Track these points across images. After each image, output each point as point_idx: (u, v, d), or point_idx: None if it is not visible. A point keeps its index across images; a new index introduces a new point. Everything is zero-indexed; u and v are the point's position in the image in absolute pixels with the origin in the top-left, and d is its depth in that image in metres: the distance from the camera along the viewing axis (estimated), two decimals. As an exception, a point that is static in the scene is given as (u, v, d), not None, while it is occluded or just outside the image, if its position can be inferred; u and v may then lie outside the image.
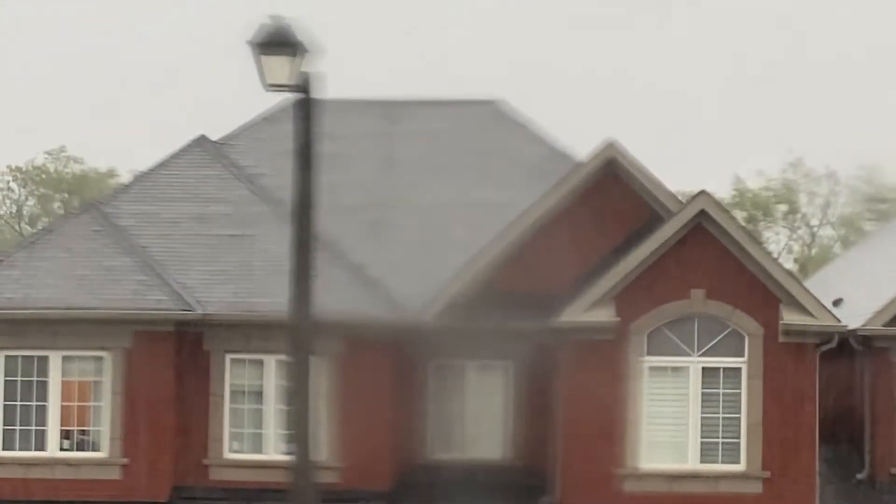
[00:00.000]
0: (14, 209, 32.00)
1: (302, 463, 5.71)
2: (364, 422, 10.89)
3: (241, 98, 13.01)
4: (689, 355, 10.91)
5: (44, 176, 31.15)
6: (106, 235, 11.24)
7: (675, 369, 10.95)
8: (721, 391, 10.97)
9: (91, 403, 11.06)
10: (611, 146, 11.59)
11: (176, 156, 12.39)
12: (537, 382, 11.28)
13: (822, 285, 14.30)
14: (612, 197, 11.52)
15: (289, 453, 5.87)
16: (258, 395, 11.09)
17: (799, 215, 31.08)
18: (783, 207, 29.89)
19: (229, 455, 11.10)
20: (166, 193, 11.87)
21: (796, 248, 31.85)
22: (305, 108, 5.68)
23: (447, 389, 11.64)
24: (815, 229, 31.20)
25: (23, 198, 31.85)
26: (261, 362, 11.03)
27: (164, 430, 10.83)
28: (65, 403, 11.00)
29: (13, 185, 31.57)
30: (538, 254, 11.31)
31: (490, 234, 11.40)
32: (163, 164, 12.27)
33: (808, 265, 27.43)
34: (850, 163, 29.50)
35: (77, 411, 11.06)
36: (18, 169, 30.83)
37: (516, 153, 13.02)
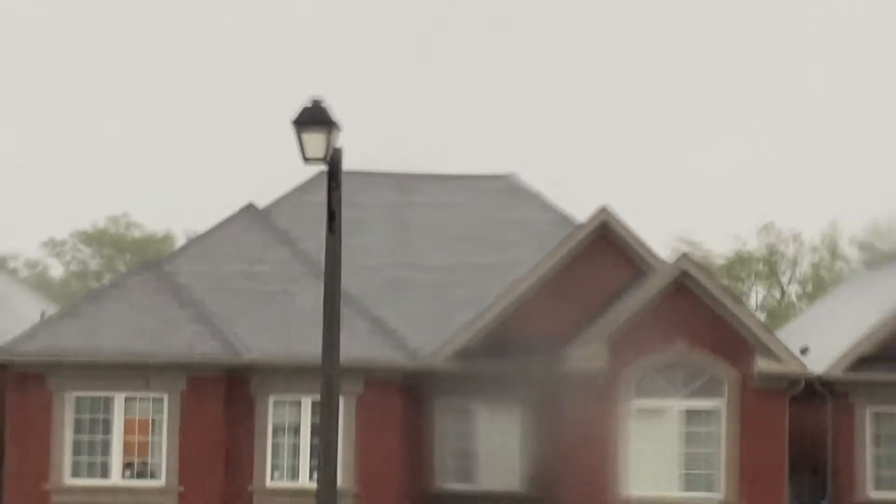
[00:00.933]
0: (81, 267, 35.58)
1: (327, 489, 6.62)
2: (381, 454, 12.46)
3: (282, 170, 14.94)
4: (672, 398, 12.43)
5: (106, 238, 34.91)
6: (165, 291, 12.91)
7: (660, 411, 12.47)
8: (703, 430, 12.50)
9: (150, 438, 12.64)
10: (604, 211, 13.21)
11: (227, 222, 14.14)
12: (542, 420, 12.80)
13: (790, 335, 15.86)
14: (605, 256, 13.09)
15: (318, 481, 6.73)
16: (296, 431, 12.67)
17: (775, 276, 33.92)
18: (764, 268, 32.67)
19: (270, 483, 12.66)
20: (218, 254, 13.50)
21: (770, 302, 34.35)
22: (334, 179, 6.61)
23: (458, 426, 13.22)
24: (786, 286, 33.77)
25: (89, 257, 35.51)
26: (298, 403, 12.62)
27: (214, 462, 12.36)
28: (127, 438, 12.62)
29: (80, 245, 35.38)
30: (540, 307, 12.91)
31: (494, 291, 12.99)
32: (215, 229, 14.00)
33: (778, 318, 29.35)
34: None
35: (138, 445, 12.63)
36: (84, 232, 34.67)
37: (526, 221, 14.69)
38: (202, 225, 15.15)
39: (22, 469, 12.44)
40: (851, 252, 31.94)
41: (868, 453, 12.97)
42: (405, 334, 13.15)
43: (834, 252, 32.62)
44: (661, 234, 23.83)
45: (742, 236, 32.80)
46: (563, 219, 14.76)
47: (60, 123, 52.80)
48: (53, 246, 35.47)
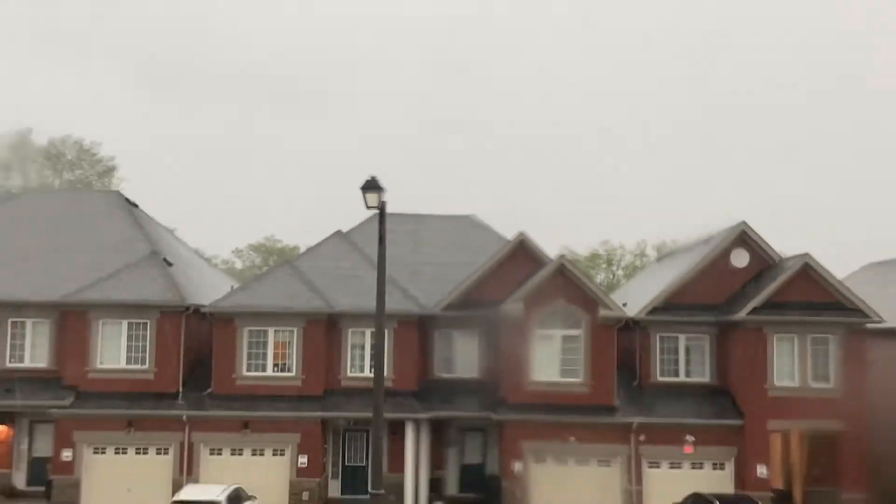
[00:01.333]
0: (251, 264, 62.21)
1: (379, 378, 14.24)
2: (406, 359, 24.13)
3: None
4: (557, 329, 23.99)
5: (263, 248, 62.62)
6: (294, 275, 24.66)
7: (550, 336, 24.02)
8: (573, 346, 24.05)
9: (287, 351, 23.91)
10: (520, 235, 25.16)
11: (327, 239, 26.34)
12: (491, 341, 24.60)
13: (618, 297, 27.93)
14: (523, 259, 24.96)
15: (374, 374, 15.15)
16: (362, 347, 24.24)
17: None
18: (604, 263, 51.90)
19: (349, 375, 24.26)
20: (322, 256, 25.43)
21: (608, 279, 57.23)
22: (381, 219, 14.55)
23: (446, 344, 25.17)
24: (616, 271, 53.05)
25: (255, 258, 60.95)
26: (363, 332, 24.16)
27: (320, 363, 23.96)
28: (275, 351, 23.93)
29: (251, 252, 61.93)
30: (490, 283, 24.79)
31: (465, 276, 25.05)
32: (321, 243, 26.03)
33: (612, 287, 49.14)
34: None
35: (281, 355, 24.00)
36: (253, 245, 61.36)
37: (480, 241, 26.81)
38: (314, 240, 27.49)
39: (220, 368, 24.12)
40: (652, 254, 53.00)
41: (657, 359, 24.68)
42: (419, 296, 24.80)
43: (642, 253, 55.53)
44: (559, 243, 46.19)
45: (596, 246, 56.27)
46: (501, 239, 26.72)
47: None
48: (237, 252, 62.57)
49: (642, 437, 23.10)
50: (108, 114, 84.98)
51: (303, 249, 39.84)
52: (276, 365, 24.14)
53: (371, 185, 14.47)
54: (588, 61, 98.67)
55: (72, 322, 24.02)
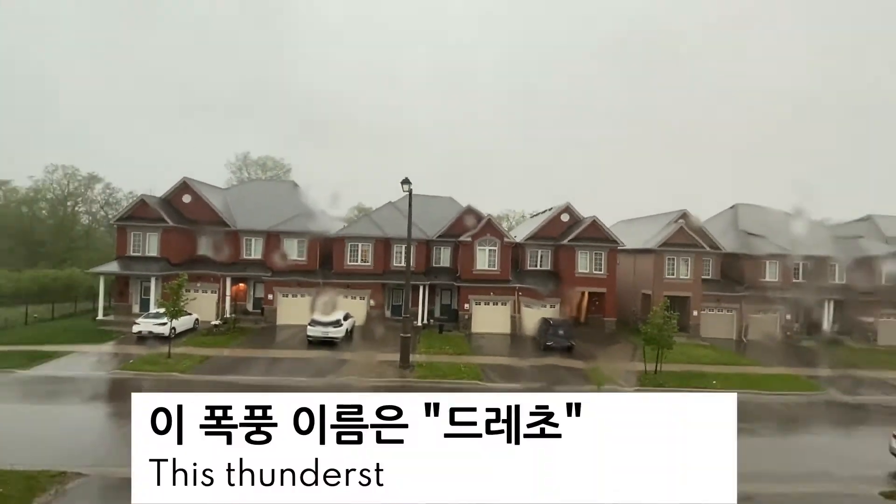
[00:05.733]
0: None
1: (408, 267, 47.19)
2: (420, 258, 54.50)
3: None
4: (486, 246, 54.31)
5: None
6: (369, 221, 54.48)
7: (491, 250, 54.35)
8: (493, 255, 54.41)
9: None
10: (468, 206, 55.49)
11: (383, 206, 55.87)
12: (457, 253, 55.12)
13: (515, 233, 58.81)
14: (472, 216, 55.26)
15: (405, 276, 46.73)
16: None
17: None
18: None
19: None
20: (381, 216, 55.21)
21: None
22: (409, 199, 46.44)
23: (439, 251, 55.56)
24: (512, 223, 79.46)
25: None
26: (401, 246, 54.51)
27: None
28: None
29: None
30: (456, 227, 55.11)
31: (444, 223, 55.45)
32: (384, 206, 55.74)
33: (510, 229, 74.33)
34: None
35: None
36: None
37: (454, 209, 57.03)
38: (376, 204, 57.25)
39: (337, 260, 54.12)
40: (527, 215, 79.02)
41: (528, 259, 55.49)
42: (427, 231, 54.97)
43: (524, 215, 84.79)
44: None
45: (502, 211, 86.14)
46: (460, 206, 56.85)
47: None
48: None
49: (521, 293, 53.70)
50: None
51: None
52: (362, 260, 54.07)
53: (405, 181, 43.24)
54: None
55: (272, 239, 53.55)
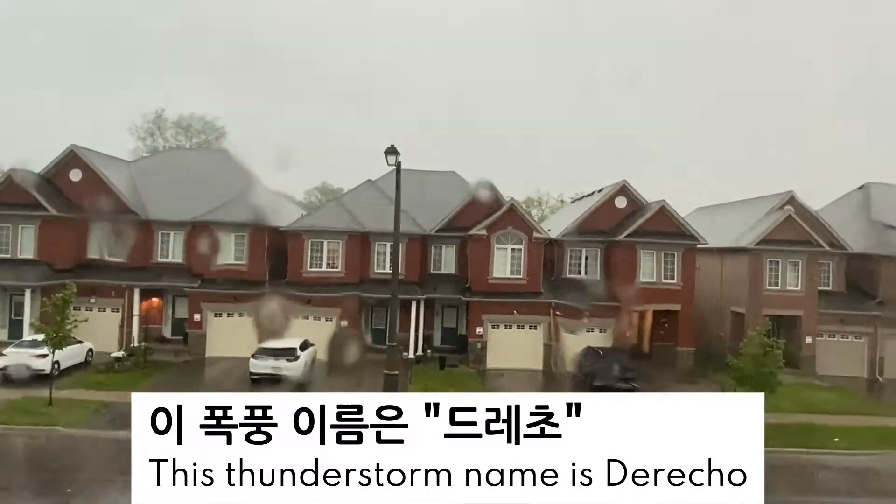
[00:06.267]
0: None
1: (396, 275, 47.29)
2: (413, 262, 54.56)
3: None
4: (506, 245, 54.17)
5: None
6: (340, 208, 54.53)
7: (503, 249, 54.20)
8: (517, 256, 54.29)
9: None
10: (480, 181, 55.45)
11: (363, 184, 56.02)
12: (465, 251, 55.04)
13: (546, 225, 58.85)
14: (484, 202, 55.25)
15: (392, 274, 46.96)
16: (385, 255, 54.53)
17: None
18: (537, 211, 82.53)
19: (375, 271, 54.71)
20: (361, 196, 55.30)
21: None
22: (397, 175, 45.88)
23: (436, 252, 55.60)
24: (544, 211, 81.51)
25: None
26: (386, 246, 54.50)
27: (363, 265, 54.29)
28: (327, 259, 54.36)
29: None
30: (461, 218, 55.10)
31: (443, 216, 55.52)
32: (359, 186, 55.90)
33: (542, 220, 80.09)
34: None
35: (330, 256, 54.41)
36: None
37: (458, 190, 57.13)
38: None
39: (293, 265, 53.98)
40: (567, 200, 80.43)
41: (567, 263, 55.41)
42: (423, 223, 55.04)
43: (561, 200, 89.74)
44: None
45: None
46: (470, 187, 56.92)
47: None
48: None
49: (558, 312, 53.48)
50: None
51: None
52: (329, 264, 53.97)
53: (391, 150, 43.01)
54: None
55: (199, 232, 53.48)
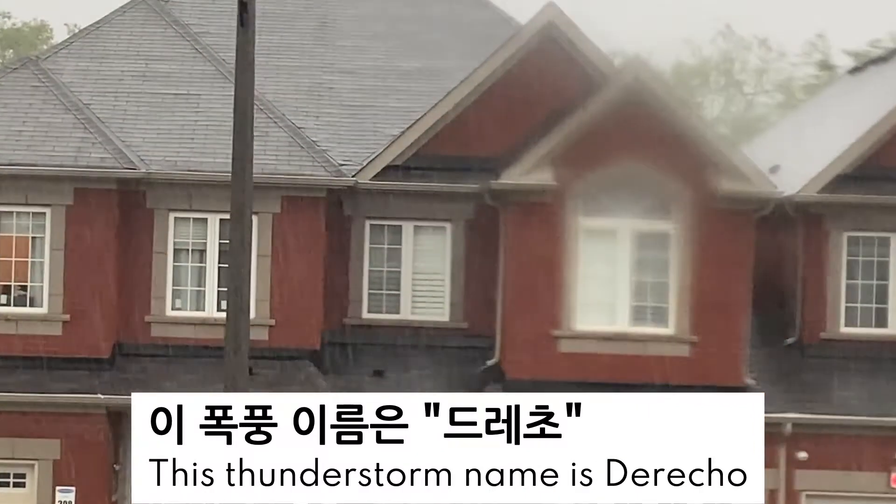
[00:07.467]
0: None
1: (238, 320, 9.28)
2: (300, 279, 16.57)
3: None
4: (621, 217, 16.22)
5: None
6: (46, 91, 16.99)
7: (609, 232, 16.23)
8: (653, 255, 16.39)
9: (31, 259, 16.02)
10: (551, 7, 17.24)
11: (118, 12, 18.82)
12: (476, 243, 17.07)
13: (758, 152, 20.51)
14: (551, 63, 17.19)
15: (227, 310, 9.54)
16: (201, 253, 16.47)
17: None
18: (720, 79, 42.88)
19: (171, 313, 16.49)
20: (108, 50, 18.55)
21: (732, 113, 46.09)
22: None
23: (384, 249, 17.53)
24: (750, 97, 45.04)
25: None
26: (205, 221, 16.48)
27: (105, 287, 15.88)
28: (2, 259, 16.01)
29: None
30: (477, 120, 17.08)
31: (427, 100, 17.56)
32: (104, 21, 19.03)
33: (744, 132, 37.51)
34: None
35: (15, 266, 15.99)
36: None
37: (462, 20, 19.95)
38: (87, 17, 19.40)
39: None
40: (846, 62, 37.17)
41: (842, 286, 17.43)
42: (328, 147, 17.85)
43: (826, 64, 41.69)
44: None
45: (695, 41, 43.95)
46: (503, 19, 19.83)
47: None
48: None
49: (802, 454, 16.56)
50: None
51: (63, 35, 35.71)
52: (3, 290, 16.85)
53: None
54: None
55: None
